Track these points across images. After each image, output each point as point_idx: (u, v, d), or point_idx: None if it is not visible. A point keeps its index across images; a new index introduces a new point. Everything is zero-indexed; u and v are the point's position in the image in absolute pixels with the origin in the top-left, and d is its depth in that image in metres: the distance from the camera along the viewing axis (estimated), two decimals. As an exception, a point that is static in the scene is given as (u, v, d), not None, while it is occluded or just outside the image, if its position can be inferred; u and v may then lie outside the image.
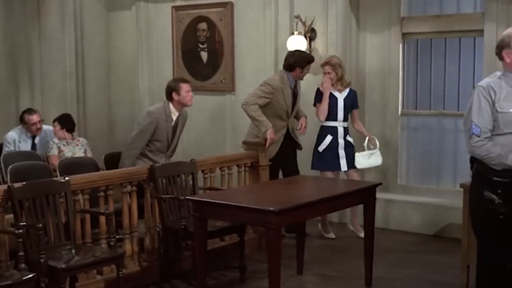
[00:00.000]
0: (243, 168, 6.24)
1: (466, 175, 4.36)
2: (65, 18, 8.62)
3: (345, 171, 6.60)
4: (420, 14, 7.27)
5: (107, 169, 6.09)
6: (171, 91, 6.11)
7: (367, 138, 6.63)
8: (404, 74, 7.25)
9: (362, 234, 6.09)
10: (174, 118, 6.20)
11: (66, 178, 4.81)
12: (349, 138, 6.65)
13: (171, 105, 6.15)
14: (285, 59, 6.59)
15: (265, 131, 6.32)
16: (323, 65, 6.64)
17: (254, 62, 7.73)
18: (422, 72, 7.24)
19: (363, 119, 7.24)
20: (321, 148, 6.58)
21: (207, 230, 4.89)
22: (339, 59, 6.68)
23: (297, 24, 7.26)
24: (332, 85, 6.56)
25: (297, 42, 7.18)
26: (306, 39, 7.23)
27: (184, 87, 6.12)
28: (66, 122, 7.10)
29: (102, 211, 4.97)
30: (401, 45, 7.15)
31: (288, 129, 6.68)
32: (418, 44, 7.29)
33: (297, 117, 6.75)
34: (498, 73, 4.02)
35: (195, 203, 4.83)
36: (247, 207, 4.54)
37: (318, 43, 7.29)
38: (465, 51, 6.97)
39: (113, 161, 6.25)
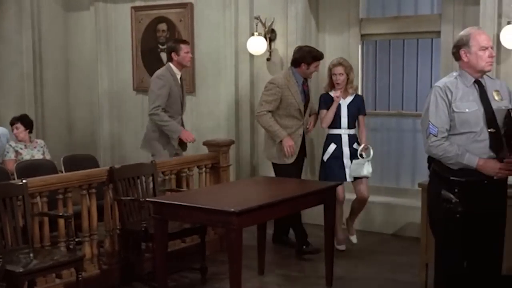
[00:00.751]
0: (203, 169, 6.23)
1: (424, 175, 4.42)
2: (22, 19, 8.49)
3: (352, 182, 6.18)
4: (379, 15, 7.34)
5: (66, 171, 6.01)
6: (171, 51, 6.44)
7: (362, 146, 6.14)
8: (363, 75, 7.32)
9: (353, 238, 6.31)
10: (179, 77, 6.48)
11: (24, 181, 4.73)
12: (356, 147, 6.17)
13: (172, 66, 6.42)
14: (293, 55, 6.28)
15: (280, 141, 6.11)
16: (335, 65, 6.17)
17: (215, 63, 7.72)
18: (380, 73, 7.32)
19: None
20: (325, 157, 6.19)
21: (167, 232, 4.87)
22: (348, 61, 6.32)
23: (257, 25, 7.27)
24: (341, 88, 6.14)
25: (257, 43, 7.19)
26: (266, 40, 7.24)
27: (184, 48, 6.42)
28: (28, 122, 6.94)
29: (60, 214, 4.90)
30: (360, 46, 7.22)
31: (303, 130, 6.29)
32: (376, 45, 7.36)
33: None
34: (455, 74, 4.09)
35: (155, 205, 4.81)
36: (207, 208, 4.54)
37: (278, 44, 7.32)
38: (423, 52, 7.06)
39: (72, 163, 6.18)
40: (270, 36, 7.28)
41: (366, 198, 6.21)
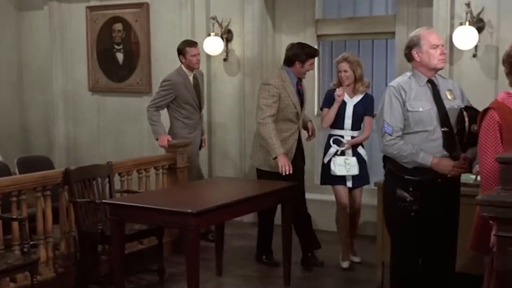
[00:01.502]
0: (160, 170, 6.19)
1: (380, 174, 4.47)
2: (-27, 19, 8.35)
3: (349, 188, 5.81)
4: (334, 16, 7.40)
5: (20, 173, 5.92)
6: (179, 54, 6.55)
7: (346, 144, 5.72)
8: (319, 75, 7.37)
9: (355, 258, 5.90)
10: (191, 78, 6.57)
11: (-24, 184, 4.65)
12: (360, 150, 5.77)
13: (183, 67, 6.55)
14: (285, 53, 5.82)
15: (275, 157, 5.49)
16: (339, 62, 5.78)
17: (171, 63, 7.64)
18: (336, 73, 7.35)
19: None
20: (326, 159, 5.78)
21: (124, 234, 4.84)
22: (357, 57, 5.90)
23: (213, 26, 7.26)
24: (348, 85, 5.74)
25: (213, 44, 7.19)
26: (223, 40, 7.24)
27: (190, 51, 6.46)
28: None
29: (14, 216, 4.82)
30: (316, 47, 7.25)
31: (299, 134, 5.84)
32: (332, 45, 7.42)
33: (304, 123, 6.04)
34: (408, 73, 4.15)
35: (111, 206, 4.77)
36: (165, 209, 4.52)
37: (235, 44, 7.32)
38: (378, 53, 7.15)
39: (26, 165, 6.08)
40: (227, 36, 7.28)
41: (358, 207, 5.89)
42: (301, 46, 5.76)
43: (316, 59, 5.96)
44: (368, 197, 6.34)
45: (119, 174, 5.81)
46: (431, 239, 4.09)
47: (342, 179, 5.74)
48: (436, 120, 3.97)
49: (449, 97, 4.07)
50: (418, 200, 3.99)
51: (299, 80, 5.83)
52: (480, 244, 3.53)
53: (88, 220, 5.26)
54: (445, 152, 3.99)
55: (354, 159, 5.68)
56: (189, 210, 4.31)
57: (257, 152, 5.81)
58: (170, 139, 6.35)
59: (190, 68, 6.54)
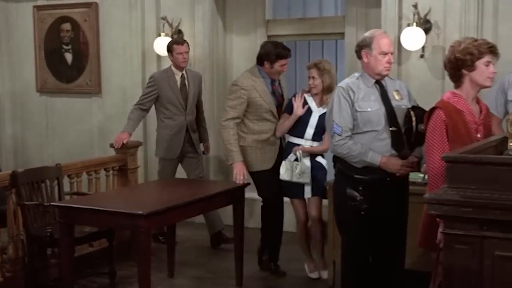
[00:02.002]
0: (111, 172, 6.13)
1: (330, 174, 4.52)
2: None
3: (308, 198, 5.42)
4: (285, 17, 7.44)
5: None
6: (167, 51, 6.40)
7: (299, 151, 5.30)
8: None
9: (324, 274, 5.43)
10: (178, 78, 6.35)
11: None
12: (320, 159, 5.38)
13: (171, 66, 6.40)
14: (258, 51, 5.56)
15: (231, 164, 5.36)
16: (309, 68, 5.37)
17: (121, 64, 7.61)
18: (287, 74, 7.39)
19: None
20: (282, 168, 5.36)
21: (74, 237, 4.77)
22: (330, 65, 5.38)
23: (163, 26, 7.22)
24: (316, 94, 5.29)
25: (164, 44, 7.13)
26: (173, 40, 7.20)
27: (176, 49, 6.28)
28: None
29: (-40, 220, 4.72)
30: (268, 47, 7.28)
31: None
32: (283, 46, 7.44)
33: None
34: (357, 74, 4.21)
35: (60, 209, 4.70)
36: (115, 211, 4.48)
37: (186, 45, 7.28)
38: (328, 53, 7.21)
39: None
40: (177, 36, 7.24)
41: (315, 217, 5.43)
42: (273, 45, 5.50)
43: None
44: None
45: (69, 176, 5.73)
46: (381, 238, 4.14)
47: (299, 191, 5.36)
48: (384, 120, 4.04)
49: (396, 97, 4.14)
50: (367, 199, 4.04)
51: (274, 81, 5.53)
52: (428, 241, 3.59)
53: (37, 223, 5.18)
54: (393, 152, 4.06)
55: (306, 166, 5.27)
56: (140, 212, 4.28)
57: (244, 155, 5.42)
58: (126, 140, 6.15)
59: (178, 67, 6.35)
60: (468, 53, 3.56)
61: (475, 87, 3.64)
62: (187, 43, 6.44)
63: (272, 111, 5.45)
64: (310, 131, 5.31)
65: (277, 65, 5.40)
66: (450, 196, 2.83)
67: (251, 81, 5.41)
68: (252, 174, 5.54)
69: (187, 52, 6.37)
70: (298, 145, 5.33)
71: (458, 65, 3.60)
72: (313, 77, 5.27)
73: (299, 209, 5.47)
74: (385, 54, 4.07)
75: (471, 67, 3.58)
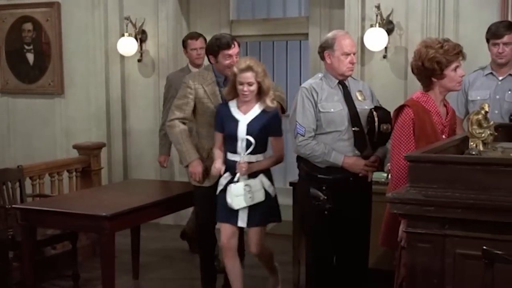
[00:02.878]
0: (74, 173, 6.07)
1: (295, 174, 4.53)
2: None
3: (244, 229, 4.62)
4: (249, 17, 7.45)
5: None
6: (182, 47, 5.94)
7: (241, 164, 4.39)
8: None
9: None
10: None
11: None
12: (263, 180, 4.47)
13: (188, 64, 5.88)
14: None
15: (186, 165, 4.68)
16: (241, 71, 4.33)
17: (84, 64, 7.54)
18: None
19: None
20: (218, 189, 4.51)
21: (36, 239, 4.72)
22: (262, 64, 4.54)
23: (127, 26, 7.17)
24: (247, 101, 4.41)
25: (127, 44, 7.10)
26: (137, 41, 7.16)
27: (190, 44, 5.81)
28: None
29: None
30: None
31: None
32: (247, 46, 7.46)
33: None
34: (320, 75, 4.23)
35: (22, 211, 4.65)
36: (78, 213, 4.45)
37: (149, 45, 7.25)
38: (292, 54, 7.25)
39: None
40: (141, 37, 7.20)
41: (255, 253, 4.65)
42: (215, 37, 4.70)
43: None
44: (284, 197, 6.40)
45: (31, 178, 5.66)
46: (345, 237, 4.17)
47: (227, 216, 4.48)
48: (347, 121, 4.06)
49: (359, 98, 4.17)
50: (331, 199, 4.07)
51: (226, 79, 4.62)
52: (390, 240, 3.62)
53: (-2, 226, 5.11)
54: (356, 152, 4.10)
55: (257, 181, 4.40)
56: (103, 214, 4.25)
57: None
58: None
59: (194, 64, 5.82)
60: (437, 62, 3.57)
61: (444, 92, 3.69)
62: (204, 38, 5.80)
63: None
64: (241, 144, 4.40)
65: (221, 58, 4.60)
66: (412, 195, 2.86)
67: (200, 79, 4.71)
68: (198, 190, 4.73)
69: (202, 48, 5.61)
70: (233, 162, 4.42)
71: (427, 74, 3.62)
72: (249, 83, 4.33)
73: (224, 235, 4.53)
74: (348, 54, 4.10)
75: (441, 76, 3.60)
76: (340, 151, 4.06)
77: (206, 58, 4.93)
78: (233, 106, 4.47)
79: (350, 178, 4.08)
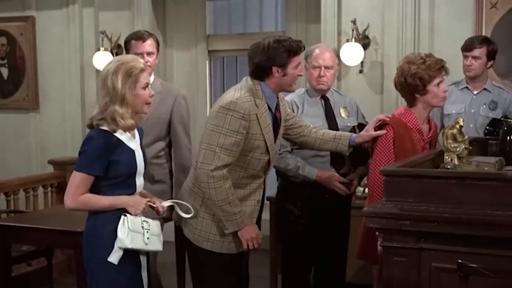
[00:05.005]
0: (49, 189, 6.01)
1: (273, 188, 4.53)
2: None
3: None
4: (225, 32, 7.46)
5: None
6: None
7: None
8: (211, 91, 7.39)
9: None
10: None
11: None
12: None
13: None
14: (250, 60, 3.59)
15: (235, 231, 3.49)
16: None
17: (59, 79, 7.49)
18: (228, 88, 7.41)
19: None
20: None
21: (11, 256, 4.65)
22: None
23: (103, 40, 7.14)
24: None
25: (103, 58, 7.05)
26: (113, 55, 7.13)
27: (135, 46, 4.33)
28: None
29: None
30: (207, 62, 7.29)
31: (264, 192, 3.68)
32: (224, 61, 7.47)
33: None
34: (304, 89, 4.23)
35: (-2, 228, 4.59)
36: (54, 229, 4.39)
37: (125, 60, 7.21)
38: (269, 68, 7.25)
39: None
40: (117, 51, 7.16)
41: None
42: (275, 41, 3.50)
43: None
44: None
45: (5, 193, 5.61)
46: (321, 252, 4.17)
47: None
48: (326, 137, 4.02)
49: (343, 114, 4.15)
50: (306, 214, 4.07)
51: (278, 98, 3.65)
52: (366, 254, 3.63)
53: (-28, 242, 5.03)
54: (332, 169, 4.09)
55: (155, 223, 3.41)
56: (79, 230, 4.19)
57: (196, 215, 3.56)
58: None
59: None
60: (419, 78, 3.58)
61: (428, 108, 3.70)
62: (156, 39, 4.48)
63: (270, 158, 3.58)
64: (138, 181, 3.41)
65: (291, 68, 3.51)
66: (388, 210, 2.87)
67: (254, 107, 3.45)
68: (208, 254, 3.58)
69: (152, 54, 4.37)
70: None
71: (410, 90, 3.64)
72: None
73: None
74: (316, 67, 4.10)
75: (423, 91, 3.62)
76: (316, 167, 4.06)
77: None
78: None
79: (326, 195, 4.07)
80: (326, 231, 4.14)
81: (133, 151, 3.33)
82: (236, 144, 3.36)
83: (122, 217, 3.27)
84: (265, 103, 3.47)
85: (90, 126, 3.32)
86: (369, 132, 3.72)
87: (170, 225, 4.21)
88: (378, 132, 3.67)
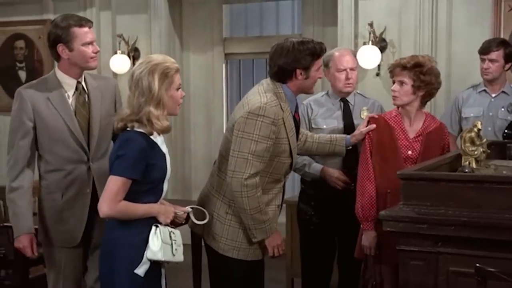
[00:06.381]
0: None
1: (289, 191, 4.55)
2: None
3: None
4: (242, 35, 7.47)
5: None
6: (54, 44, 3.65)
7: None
8: (228, 94, 7.40)
9: None
10: (70, 91, 3.63)
11: None
12: None
13: (58, 70, 3.72)
14: (270, 61, 3.49)
15: (263, 239, 3.46)
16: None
17: (76, 82, 7.52)
18: (245, 92, 7.38)
19: (189, 138, 7.30)
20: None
21: (28, 258, 4.67)
22: None
23: (119, 44, 7.17)
24: None
25: (120, 62, 7.10)
26: (130, 58, 7.16)
27: (80, 34, 3.61)
28: None
29: None
30: (224, 65, 7.30)
31: (283, 195, 3.64)
32: (240, 64, 7.48)
33: None
34: (325, 91, 4.29)
35: (14, 230, 4.60)
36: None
37: (142, 63, 7.24)
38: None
39: None
40: (134, 54, 7.20)
41: None
42: (299, 43, 3.44)
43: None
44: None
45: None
46: (339, 253, 4.21)
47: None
48: (340, 138, 4.03)
49: (362, 116, 4.15)
50: (319, 214, 4.10)
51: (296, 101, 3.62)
52: (363, 252, 3.71)
53: (-11, 244, 5.07)
54: (344, 170, 4.11)
55: (178, 233, 3.28)
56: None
57: (220, 224, 3.50)
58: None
59: (80, 69, 3.68)
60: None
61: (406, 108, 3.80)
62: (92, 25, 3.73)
63: (292, 162, 3.56)
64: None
65: (313, 71, 3.48)
66: (405, 213, 2.86)
67: (280, 111, 3.40)
68: (218, 257, 3.54)
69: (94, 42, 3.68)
70: None
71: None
72: None
73: None
74: (342, 70, 4.12)
75: None
76: (329, 167, 4.09)
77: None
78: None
79: (339, 196, 4.09)
80: (340, 231, 4.16)
81: (164, 155, 3.19)
82: (267, 150, 3.32)
83: (154, 227, 3.09)
84: (288, 106, 3.43)
85: (123, 129, 3.14)
86: (360, 130, 3.84)
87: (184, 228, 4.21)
88: (369, 126, 3.78)
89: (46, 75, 3.78)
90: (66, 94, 3.60)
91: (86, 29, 3.60)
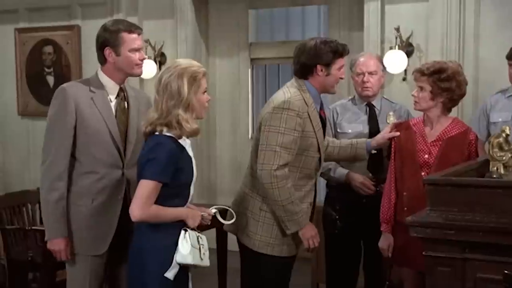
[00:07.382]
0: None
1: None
2: None
3: None
4: (267, 40, 7.48)
5: None
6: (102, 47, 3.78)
7: None
8: (253, 99, 7.41)
9: None
10: (113, 95, 3.65)
11: None
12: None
13: (100, 72, 3.77)
14: (295, 58, 3.63)
15: (295, 232, 3.52)
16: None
17: (103, 87, 7.59)
18: (270, 97, 7.40)
19: (214, 143, 7.32)
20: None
21: (55, 261, 4.70)
22: None
23: (146, 49, 7.21)
24: None
25: (147, 67, 7.12)
26: (156, 63, 7.20)
27: (128, 40, 3.68)
28: None
29: None
30: (250, 70, 7.31)
31: (315, 194, 3.71)
32: (266, 69, 7.49)
33: None
34: (351, 96, 4.29)
35: (42, 233, 4.62)
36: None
37: (169, 68, 7.28)
38: (311, 76, 7.25)
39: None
40: (160, 59, 7.24)
41: None
42: (321, 41, 3.58)
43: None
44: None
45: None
46: (365, 257, 4.21)
47: None
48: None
49: (388, 121, 4.15)
50: (343, 218, 4.10)
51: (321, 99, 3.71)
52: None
53: (18, 247, 5.12)
54: (370, 174, 4.10)
55: (205, 237, 3.29)
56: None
57: (254, 221, 3.58)
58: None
59: (126, 74, 3.78)
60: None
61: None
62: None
63: (321, 156, 3.65)
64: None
65: (335, 69, 3.57)
66: (433, 219, 2.84)
67: (304, 105, 3.51)
68: (251, 254, 3.61)
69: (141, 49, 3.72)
70: None
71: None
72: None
73: None
74: (359, 74, 4.14)
75: None
76: (353, 171, 4.09)
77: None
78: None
79: (363, 200, 4.08)
80: (366, 235, 4.15)
81: (191, 158, 3.22)
82: (294, 141, 3.41)
83: (183, 231, 3.13)
84: (312, 101, 3.52)
85: (152, 133, 3.16)
86: (382, 134, 3.88)
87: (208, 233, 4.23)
88: (391, 133, 3.81)
89: (88, 77, 3.82)
90: (108, 97, 3.60)
91: (135, 35, 3.63)
